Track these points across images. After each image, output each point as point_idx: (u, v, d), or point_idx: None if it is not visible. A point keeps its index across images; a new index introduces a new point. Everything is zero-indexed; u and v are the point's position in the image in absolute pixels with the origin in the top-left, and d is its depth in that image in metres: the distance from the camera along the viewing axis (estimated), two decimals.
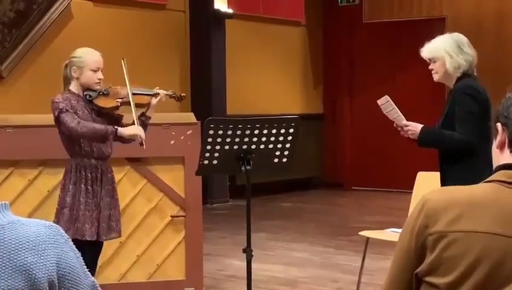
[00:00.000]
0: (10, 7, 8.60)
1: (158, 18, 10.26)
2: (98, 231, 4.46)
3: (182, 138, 5.48)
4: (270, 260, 6.85)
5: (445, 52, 4.26)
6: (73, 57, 4.49)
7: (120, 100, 4.54)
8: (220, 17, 10.52)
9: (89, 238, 4.39)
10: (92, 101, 4.50)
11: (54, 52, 8.84)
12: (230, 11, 10.60)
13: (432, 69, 4.36)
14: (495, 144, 1.76)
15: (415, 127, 4.36)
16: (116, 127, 4.44)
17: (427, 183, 5.08)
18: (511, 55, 10.74)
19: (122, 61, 4.63)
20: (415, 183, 5.44)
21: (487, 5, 11.05)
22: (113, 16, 9.71)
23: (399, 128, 4.43)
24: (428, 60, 4.37)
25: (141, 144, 4.46)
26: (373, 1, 11.99)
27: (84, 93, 4.49)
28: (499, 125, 1.75)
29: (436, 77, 4.36)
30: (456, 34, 4.37)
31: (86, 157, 4.46)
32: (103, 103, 4.51)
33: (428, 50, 4.36)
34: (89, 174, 4.45)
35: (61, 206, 4.45)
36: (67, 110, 4.35)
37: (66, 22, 9.16)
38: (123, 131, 4.43)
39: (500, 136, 1.75)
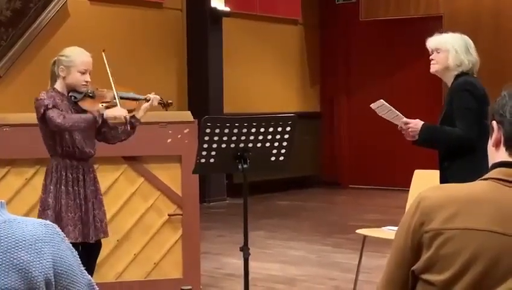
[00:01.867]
0: (7, 6, 8.59)
1: (155, 16, 10.26)
2: (84, 233, 4.40)
3: (179, 136, 5.48)
4: (267, 258, 6.86)
5: (452, 46, 4.30)
6: (62, 56, 4.40)
7: (105, 104, 4.47)
8: (217, 15, 10.52)
9: (71, 241, 4.32)
10: (76, 103, 4.43)
11: (50, 51, 8.79)
12: (227, 9, 10.60)
13: (433, 60, 4.37)
14: (491, 142, 1.77)
15: (416, 125, 4.37)
16: (101, 111, 4.36)
17: (424, 182, 5.08)
18: (508, 52, 10.75)
19: (103, 53, 4.53)
20: (412, 181, 5.44)
21: (484, 3, 11.05)
22: (110, 15, 9.70)
23: (403, 132, 4.44)
24: (431, 51, 4.38)
25: (126, 124, 4.43)
26: None
27: (69, 94, 4.42)
28: (494, 123, 1.75)
29: (434, 68, 4.37)
30: (466, 36, 4.42)
31: (67, 157, 4.39)
32: (88, 105, 4.43)
33: (435, 40, 4.38)
34: (70, 175, 4.39)
35: (43, 207, 4.40)
36: (53, 107, 4.28)
37: (63, 20, 9.15)
38: (109, 113, 4.37)
39: (495, 134, 1.75)
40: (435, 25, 10.64)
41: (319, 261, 6.85)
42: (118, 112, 4.40)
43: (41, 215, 4.37)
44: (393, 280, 1.76)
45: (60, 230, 1.68)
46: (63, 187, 4.36)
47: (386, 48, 12.02)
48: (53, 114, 4.26)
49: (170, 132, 5.47)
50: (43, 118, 4.33)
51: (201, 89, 10.42)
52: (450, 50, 4.29)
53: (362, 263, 5.47)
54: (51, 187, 4.37)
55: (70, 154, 4.39)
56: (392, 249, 1.78)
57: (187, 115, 5.73)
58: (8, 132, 5.22)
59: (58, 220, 4.34)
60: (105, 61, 4.52)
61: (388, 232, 5.24)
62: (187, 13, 10.61)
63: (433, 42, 4.39)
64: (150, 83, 9.10)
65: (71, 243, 4.50)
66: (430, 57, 4.39)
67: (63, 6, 9.04)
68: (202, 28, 10.47)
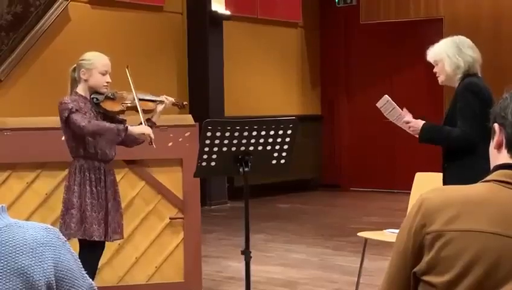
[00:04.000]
0: (7, 10, 8.60)
1: (155, 20, 10.26)
2: (105, 232, 4.50)
3: (180, 140, 5.49)
4: (268, 262, 6.85)
5: (445, 54, 4.30)
6: (83, 60, 4.55)
7: (126, 105, 4.61)
8: (218, 18, 10.52)
9: (97, 239, 4.46)
10: (98, 104, 4.55)
11: (51, 55, 8.84)
12: (228, 12, 10.60)
13: (436, 72, 4.40)
14: (492, 144, 1.77)
15: (416, 124, 4.39)
16: (126, 125, 4.50)
17: (426, 184, 5.08)
18: (508, 54, 10.75)
19: (127, 69, 4.69)
20: (413, 183, 5.44)
21: (484, 5, 11.06)
22: (111, 19, 9.70)
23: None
24: (433, 63, 4.41)
25: (150, 142, 4.54)
26: (370, 2, 11.99)
27: (91, 96, 4.55)
28: (496, 125, 1.75)
29: (440, 80, 4.40)
30: (459, 36, 4.41)
31: (90, 159, 4.50)
32: (110, 106, 4.58)
33: (431, 53, 4.41)
34: (93, 176, 4.50)
35: (67, 207, 4.48)
36: (76, 110, 4.40)
37: (64, 24, 9.15)
38: (133, 129, 4.50)
39: (497, 136, 1.75)
40: (435, 27, 10.66)
41: (320, 264, 6.84)
42: (143, 130, 4.52)
43: (66, 215, 4.47)
44: (395, 282, 1.76)
45: (61, 234, 1.67)
46: (87, 187, 4.47)
47: (387, 51, 12.02)
48: (77, 117, 4.38)
49: (171, 135, 5.47)
50: (67, 121, 4.43)
51: (202, 92, 10.42)
52: (444, 58, 4.32)
53: (364, 266, 5.46)
54: (75, 187, 4.46)
55: (93, 156, 4.50)
56: (393, 251, 1.78)
57: (188, 119, 5.74)
58: (9, 136, 5.22)
59: (83, 219, 4.44)
60: (129, 77, 4.64)
61: (389, 234, 5.23)
62: (187, 17, 10.62)
63: (430, 56, 4.43)
64: (150, 86, 9.07)
65: (97, 241, 4.66)
66: (434, 70, 4.43)
67: (63, 11, 9.04)
68: (203, 32, 10.47)
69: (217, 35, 10.58)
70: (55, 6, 8.93)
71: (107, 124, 4.46)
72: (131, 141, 4.67)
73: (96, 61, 4.53)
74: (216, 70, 10.53)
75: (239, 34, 11.18)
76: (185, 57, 10.62)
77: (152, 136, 4.52)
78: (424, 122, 4.39)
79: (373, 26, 12.04)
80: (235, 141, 4.07)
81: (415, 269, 1.71)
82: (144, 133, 4.51)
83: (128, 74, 4.67)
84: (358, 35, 12.36)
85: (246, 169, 4.09)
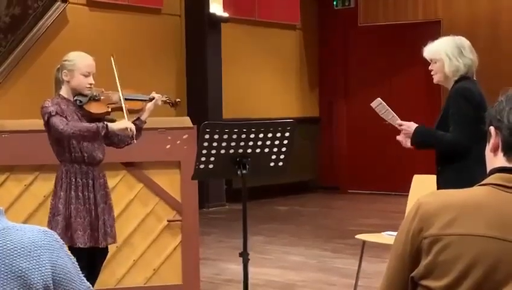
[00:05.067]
0: (6, 12, 8.60)
1: (154, 22, 10.26)
2: (93, 238, 4.40)
3: (178, 142, 5.48)
4: (266, 264, 6.85)
5: (445, 54, 4.25)
6: (65, 60, 4.43)
7: (111, 106, 4.48)
8: (216, 21, 10.53)
9: (81, 246, 4.32)
10: (82, 107, 4.44)
11: (49, 57, 8.83)
12: (226, 15, 10.60)
13: (432, 70, 4.36)
14: (488, 148, 1.77)
15: (409, 127, 4.39)
16: (105, 123, 4.36)
17: (423, 186, 5.08)
18: (505, 57, 10.76)
19: (112, 58, 4.57)
20: (411, 186, 5.44)
21: (482, 8, 11.07)
22: (109, 21, 9.71)
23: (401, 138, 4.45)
24: (429, 60, 4.37)
25: (132, 137, 4.40)
26: (368, 4, 12.00)
27: (74, 98, 4.43)
28: (492, 128, 1.75)
29: (435, 79, 4.37)
30: (459, 37, 4.36)
31: (76, 163, 4.39)
32: (94, 108, 4.45)
33: (429, 51, 4.36)
34: (80, 180, 4.39)
35: (53, 213, 4.39)
36: (56, 114, 4.28)
37: (62, 26, 9.15)
38: (113, 126, 4.37)
39: (493, 139, 1.75)
40: (433, 30, 10.66)
41: (319, 266, 6.84)
42: (124, 125, 4.39)
43: (52, 221, 4.38)
44: (393, 284, 1.76)
45: (59, 237, 1.67)
46: (73, 193, 4.36)
47: (385, 53, 12.03)
48: (56, 120, 4.27)
49: (169, 137, 5.47)
50: (47, 125, 4.34)
51: (200, 94, 10.42)
52: (443, 59, 4.26)
53: (362, 269, 5.46)
54: (61, 193, 4.37)
55: (79, 160, 4.40)
56: (391, 254, 1.78)
57: (186, 121, 5.74)
58: (7, 138, 5.22)
59: (68, 225, 4.34)
60: (114, 66, 4.53)
61: (387, 237, 5.23)
62: (186, 19, 10.62)
63: (427, 53, 4.37)
64: (148, 88, 9.07)
65: (80, 248, 4.46)
66: (429, 68, 4.39)
67: (62, 13, 9.05)
68: (201, 34, 10.47)
69: (215, 37, 10.59)
70: (53, 8, 8.93)
71: (86, 124, 4.33)
72: (119, 140, 4.55)
73: (79, 62, 4.38)
74: (214, 73, 10.53)
75: (237, 36, 11.18)
76: (184, 59, 10.62)
77: (134, 130, 4.37)
78: (416, 125, 4.39)
79: (371, 28, 12.05)
80: (233, 144, 4.06)
81: (412, 274, 1.71)
82: (126, 128, 4.37)
83: (113, 64, 4.54)
84: (356, 38, 12.37)
85: (244, 171, 4.08)
